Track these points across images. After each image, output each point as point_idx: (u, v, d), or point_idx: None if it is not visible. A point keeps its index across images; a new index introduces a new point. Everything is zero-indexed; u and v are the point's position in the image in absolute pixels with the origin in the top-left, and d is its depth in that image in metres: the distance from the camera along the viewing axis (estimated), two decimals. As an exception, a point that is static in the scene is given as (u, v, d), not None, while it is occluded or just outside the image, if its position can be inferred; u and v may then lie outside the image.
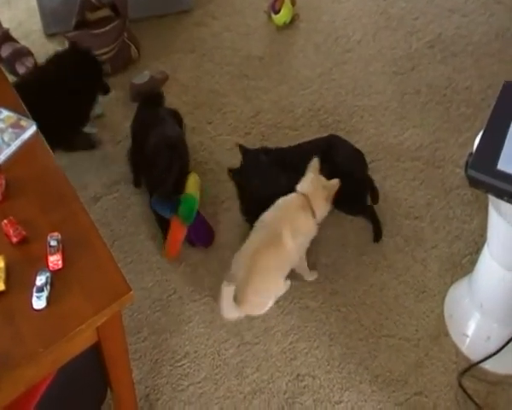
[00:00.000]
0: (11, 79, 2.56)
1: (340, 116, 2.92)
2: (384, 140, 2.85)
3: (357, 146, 2.68)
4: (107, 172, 2.75)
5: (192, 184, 2.51)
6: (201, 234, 2.52)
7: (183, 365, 2.23)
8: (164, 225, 2.49)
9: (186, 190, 2.48)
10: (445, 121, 2.96)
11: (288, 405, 2.15)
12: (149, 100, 2.80)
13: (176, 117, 2.76)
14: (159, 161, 2.48)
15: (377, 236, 2.53)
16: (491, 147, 1.82)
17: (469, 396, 2.14)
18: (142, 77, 3.04)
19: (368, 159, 2.69)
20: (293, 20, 3.41)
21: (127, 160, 2.74)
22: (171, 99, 3.00)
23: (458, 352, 2.25)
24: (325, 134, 2.76)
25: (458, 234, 2.57)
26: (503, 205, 1.85)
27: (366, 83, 3.12)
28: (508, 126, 1.85)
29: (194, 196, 2.47)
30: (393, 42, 3.31)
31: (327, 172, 2.40)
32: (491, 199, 1.95)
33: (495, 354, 2.16)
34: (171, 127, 2.61)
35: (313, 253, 2.48)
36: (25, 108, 2.04)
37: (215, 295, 2.36)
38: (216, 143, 2.87)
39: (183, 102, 3.00)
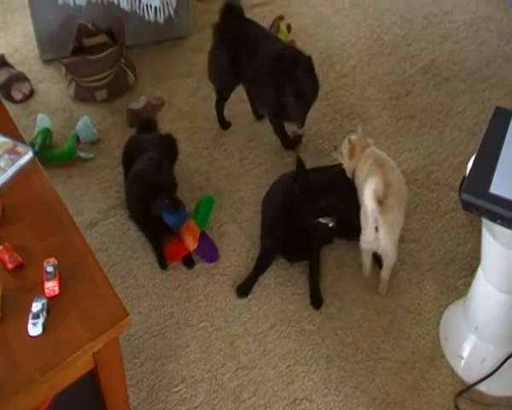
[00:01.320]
0: (7, 104, 2.57)
1: (336, 141, 2.94)
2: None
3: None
4: (104, 198, 2.76)
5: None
6: (207, 251, 2.56)
7: (180, 390, 2.22)
8: (158, 237, 2.55)
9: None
10: (439, 145, 2.98)
11: (285, 430, 2.15)
12: (142, 126, 2.83)
13: (169, 142, 2.78)
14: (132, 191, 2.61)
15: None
16: (484, 171, 1.84)
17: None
18: (138, 102, 3.06)
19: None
20: (289, 46, 3.45)
21: (122, 184, 2.75)
22: (168, 124, 3.02)
23: (454, 374, 2.25)
24: (322, 158, 2.79)
25: (453, 257, 2.58)
26: (497, 228, 1.87)
27: (361, 108, 3.15)
28: (499, 151, 1.87)
29: (210, 197, 2.62)
30: (388, 68, 3.35)
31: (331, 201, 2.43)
32: (485, 222, 1.96)
33: (490, 375, 2.16)
34: (151, 158, 2.60)
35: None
36: (21, 133, 2.06)
37: (211, 321, 2.38)
38: (212, 168, 2.89)
39: (180, 128, 3.03)
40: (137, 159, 2.63)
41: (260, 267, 2.52)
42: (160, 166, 2.54)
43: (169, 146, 2.78)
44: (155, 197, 2.47)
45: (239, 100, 3.16)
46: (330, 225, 2.36)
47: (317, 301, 2.45)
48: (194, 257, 2.55)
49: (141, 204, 2.54)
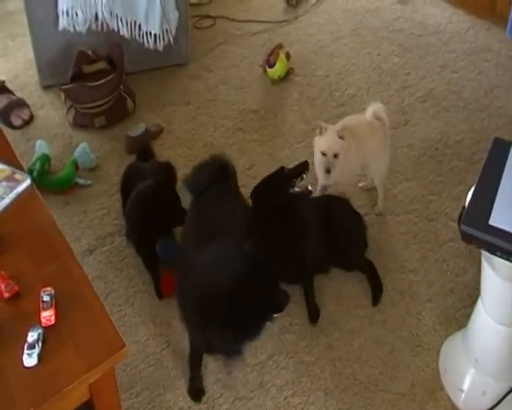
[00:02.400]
0: (6, 130, 2.57)
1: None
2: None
3: (352, 199, 2.70)
4: (102, 225, 2.75)
5: None
6: None
7: (176, 421, 2.20)
8: (156, 265, 2.53)
9: None
10: (438, 175, 2.99)
11: None
12: (141, 153, 2.84)
13: (168, 170, 2.78)
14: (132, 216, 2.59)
15: (376, 298, 2.52)
16: (483, 203, 1.84)
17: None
18: (137, 129, 3.07)
19: (362, 212, 2.71)
20: (288, 74, 3.47)
21: (121, 211, 2.74)
22: (166, 151, 3.03)
23: (454, 407, 2.22)
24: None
25: (452, 287, 2.56)
26: (496, 260, 1.86)
27: (359, 136, 3.16)
28: (498, 182, 1.87)
29: None
30: (386, 96, 3.37)
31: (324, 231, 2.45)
32: (484, 254, 1.95)
33: (491, 409, 2.13)
34: (149, 182, 2.61)
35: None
36: (19, 160, 2.06)
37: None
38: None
39: (178, 155, 3.03)
40: (136, 186, 2.63)
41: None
42: (161, 193, 2.55)
43: (167, 173, 2.78)
44: (156, 222, 2.48)
45: (237, 128, 3.17)
46: (309, 188, 2.40)
47: (314, 314, 2.45)
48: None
49: (140, 231, 2.54)
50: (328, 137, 2.53)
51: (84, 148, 2.93)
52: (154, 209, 2.53)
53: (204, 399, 2.24)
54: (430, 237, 2.74)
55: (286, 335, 2.41)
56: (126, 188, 2.71)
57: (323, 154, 2.54)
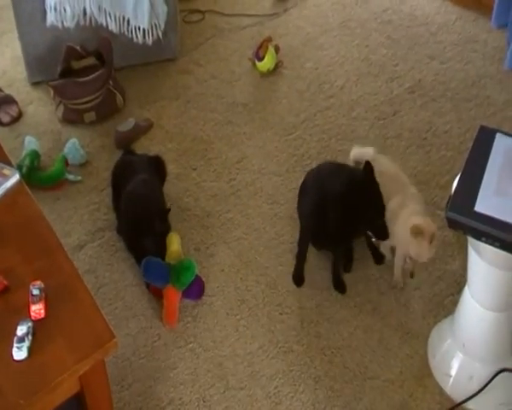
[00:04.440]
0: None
1: (324, 161, 2.96)
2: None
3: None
4: (92, 220, 2.76)
5: (176, 244, 2.54)
6: (193, 290, 2.50)
7: (168, 412, 2.22)
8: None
9: (171, 250, 2.51)
10: (426, 164, 3.00)
11: (274, 451, 2.14)
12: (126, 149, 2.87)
13: (158, 164, 2.79)
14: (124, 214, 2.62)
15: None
16: (469, 189, 1.86)
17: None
18: (126, 124, 3.07)
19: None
20: (277, 67, 3.47)
21: (112, 207, 2.76)
22: (156, 146, 3.04)
23: (442, 392, 2.25)
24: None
25: (440, 275, 2.59)
26: (482, 246, 1.89)
27: (349, 128, 3.17)
28: (484, 169, 1.89)
29: (191, 262, 2.46)
30: (375, 87, 3.38)
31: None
32: (470, 240, 1.98)
33: (478, 393, 2.16)
34: (143, 180, 2.63)
35: (297, 294, 2.51)
36: (8, 156, 2.07)
37: (199, 342, 2.38)
38: (200, 189, 2.89)
39: (168, 149, 3.04)
40: (127, 180, 2.64)
41: (303, 251, 2.56)
42: (154, 190, 2.58)
43: (158, 168, 2.79)
44: (149, 220, 2.49)
45: (227, 121, 3.18)
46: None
47: (340, 286, 2.54)
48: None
49: (132, 226, 2.55)
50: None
51: (73, 143, 2.94)
52: (146, 207, 2.55)
53: (195, 390, 2.26)
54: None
55: (276, 324, 2.43)
56: (117, 182, 2.72)
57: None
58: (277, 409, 2.22)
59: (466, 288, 2.14)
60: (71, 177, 2.87)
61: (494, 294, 2.05)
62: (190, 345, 2.38)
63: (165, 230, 2.59)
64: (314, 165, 2.97)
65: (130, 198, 2.61)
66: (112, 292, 2.52)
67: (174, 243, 2.54)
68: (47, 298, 1.67)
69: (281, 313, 2.47)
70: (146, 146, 3.02)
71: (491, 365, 2.15)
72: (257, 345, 2.38)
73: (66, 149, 2.93)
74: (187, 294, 2.47)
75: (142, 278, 2.50)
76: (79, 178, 2.90)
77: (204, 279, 2.54)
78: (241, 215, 2.79)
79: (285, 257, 2.64)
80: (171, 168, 2.89)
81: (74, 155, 2.93)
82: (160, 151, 2.95)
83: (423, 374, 2.30)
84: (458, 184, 1.90)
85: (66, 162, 2.87)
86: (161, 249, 2.52)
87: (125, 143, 2.99)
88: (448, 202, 1.89)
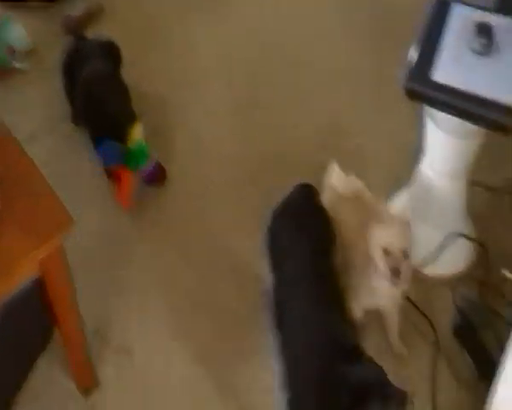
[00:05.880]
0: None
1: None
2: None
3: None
4: (44, 111, 2.68)
5: (138, 133, 2.48)
6: (153, 174, 2.49)
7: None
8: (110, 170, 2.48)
9: (132, 136, 2.44)
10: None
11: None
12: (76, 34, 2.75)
13: (111, 49, 2.69)
14: (92, 97, 2.49)
15: None
16: (426, 58, 1.84)
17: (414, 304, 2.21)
18: (76, 9, 2.95)
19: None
20: None
21: (63, 96, 2.66)
22: (107, 31, 2.90)
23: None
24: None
25: (399, 148, 2.57)
26: (439, 115, 1.90)
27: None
28: (440, 37, 1.86)
29: (143, 143, 2.41)
30: None
31: None
32: (427, 109, 1.99)
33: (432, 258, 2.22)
34: (101, 62, 2.55)
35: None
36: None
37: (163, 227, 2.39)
38: (156, 74, 2.83)
39: (121, 34, 2.87)
40: (81, 67, 2.54)
41: None
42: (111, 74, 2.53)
43: (112, 53, 2.68)
44: (108, 102, 2.45)
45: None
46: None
47: None
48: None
49: (91, 114, 2.50)
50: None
51: (10, 24, 2.78)
52: (105, 90, 2.49)
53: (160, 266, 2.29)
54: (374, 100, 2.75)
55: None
56: (70, 70, 2.61)
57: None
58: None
59: (423, 158, 2.17)
60: (17, 65, 2.75)
61: (450, 161, 2.08)
62: (153, 230, 2.40)
63: (128, 114, 2.51)
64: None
65: (87, 84, 2.51)
66: (69, 183, 2.46)
67: (136, 133, 2.48)
68: (2, 189, 1.63)
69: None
70: (97, 31, 2.89)
71: (443, 229, 2.21)
72: (224, 224, 2.41)
73: (6, 33, 2.76)
74: (147, 179, 2.47)
75: (101, 166, 2.47)
76: (27, 66, 2.78)
77: (168, 167, 2.53)
78: (196, 99, 2.76)
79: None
80: (125, 54, 2.76)
81: (14, 35, 2.77)
82: (112, 37, 2.82)
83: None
84: (414, 53, 1.88)
85: (10, 50, 2.74)
86: (122, 135, 2.44)
87: (75, 28, 2.87)
88: (405, 72, 1.87)
